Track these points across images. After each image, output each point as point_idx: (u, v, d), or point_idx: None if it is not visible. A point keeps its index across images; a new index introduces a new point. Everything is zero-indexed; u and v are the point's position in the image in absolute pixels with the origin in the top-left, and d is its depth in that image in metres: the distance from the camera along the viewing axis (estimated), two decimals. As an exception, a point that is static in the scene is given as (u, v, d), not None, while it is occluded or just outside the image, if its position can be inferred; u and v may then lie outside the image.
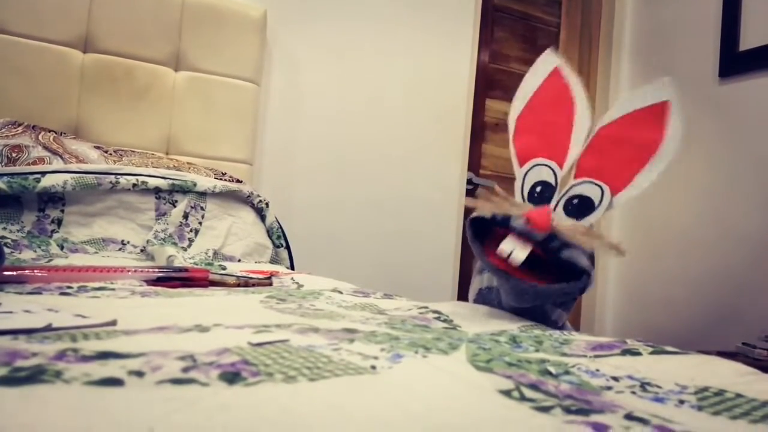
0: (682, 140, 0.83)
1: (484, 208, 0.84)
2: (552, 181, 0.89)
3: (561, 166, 0.89)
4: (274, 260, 1.54)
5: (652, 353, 0.62)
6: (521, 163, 0.93)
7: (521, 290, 0.80)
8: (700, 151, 2.27)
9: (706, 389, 0.48)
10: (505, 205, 0.85)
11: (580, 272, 0.79)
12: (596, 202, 0.83)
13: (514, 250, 0.78)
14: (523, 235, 0.78)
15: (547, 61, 0.99)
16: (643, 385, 0.49)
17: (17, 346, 0.39)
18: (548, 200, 0.87)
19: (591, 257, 0.82)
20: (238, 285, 0.96)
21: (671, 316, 2.31)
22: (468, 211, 0.89)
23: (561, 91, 0.95)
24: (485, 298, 0.95)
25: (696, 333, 2.17)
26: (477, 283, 1.00)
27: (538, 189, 0.89)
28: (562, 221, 0.81)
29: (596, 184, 0.84)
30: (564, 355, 0.59)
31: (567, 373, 0.50)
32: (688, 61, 2.36)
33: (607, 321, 2.57)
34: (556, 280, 0.80)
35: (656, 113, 0.86)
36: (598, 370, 0.52)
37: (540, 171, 0.90)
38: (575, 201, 0.85)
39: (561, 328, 0.93)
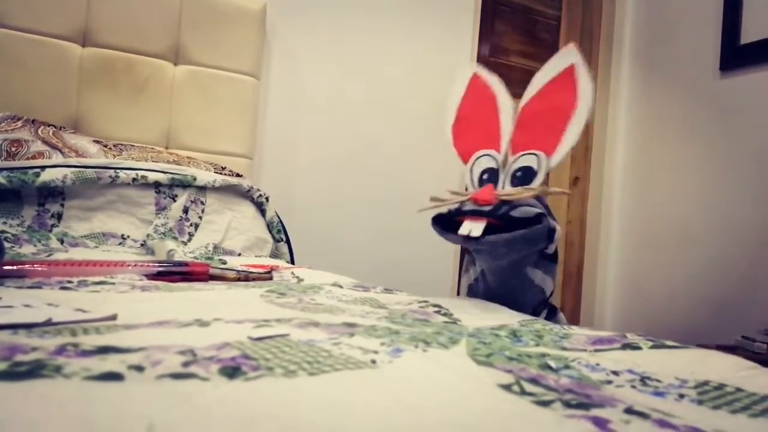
0: (593, 93, 0.91)
1: (441, 207, 0.96)
2: (494, 165, 0.98)
3: (498, 150, 1.00)
4: (274, 254, 1.54)
5: (652, 347, 0.62)
6: (465, 161, 1.04)
7: (491, 246, 0.89)
8: (701, 145, 2.27)
9: (706, 383, 0.48)
10: (456, 198, 0.95)
11: (537, 219, 0.87)
12: (535, 167, 0.92)
13: (472, 228, 0.86)
14: (475, 214, 0.88)
15: (463, 73, 1.13)
16: (643, 379, 0.49)
17: (17, 340, 0.39)
18: (495, 183, 0.96)
19: (544, 208, 0.91)
20: (239, 279, 0.96)
21: (671, 309, 2.31)
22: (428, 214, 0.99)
23: (483, 91, 1.07)
24: (473, 291, 1.04)
25: (696, 326, 2.18)
26: (465, 280, 1.09)
27: (485, 177, 0.98)
28: (502, 190, 0.91)
29: (531, 154, 0.93)
30: (564, 349, 0.59)
31: (567, 367, 0.51)
32: (689, 54, 2.35)
33: (607, 315, 2.57)
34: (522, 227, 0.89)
35: (566, 78, 0.95)
36: (598, 365, 0.53)
37: (482, 161, 1.00)
38: (518, 174, 0.94)
39: (549, 308, 0.97)
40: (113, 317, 0.51)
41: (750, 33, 2.14)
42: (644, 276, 2.43)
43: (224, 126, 1.78)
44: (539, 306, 0.99)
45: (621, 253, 2.56)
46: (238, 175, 1.60)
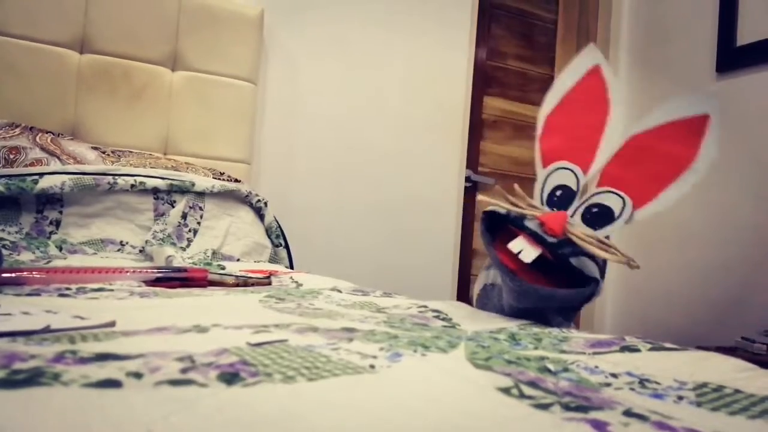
0: (713, 158, 0.81)
1: (501, 204, 0.83)
2: (573, 186, 0.86)
3: (585, 171, 0.87)
4: (273, 259, 1.54)
5: (650, 350, 0.62)
6: (545, 165, 0.91)
7: (524, 290, 0.79)
8: (698, 147, 2.27)
9: (704, 385, 0.48)
10: (521, 204, 0.84)
11: (587, 280, 0.78)
12: (616, 213, 0.82)
13: (524, 249, 0.77)
14: (536, 237, 0.78)
15: (587, 58, 0.96)
16: (642, 382, 0.49)
17: (15, 348, 0.38)
18: (567, 205, 0.85)
19: (601, 268, 0.80)
20: (237, 285, 0.96)
21: (670, 311, 2.31)
22: (472, 206, 0.87)
23: (597, 92, 0.92)
24: (488, 294, 0.94)
25: (695, 328, 2.18)
26: (482, 278, 0.99)
27: (558, 193, 0.87)
28: (577, 228, 0.79)
29: (619, 195, 0.82)
30: (563, 352, 0.59)
31: (566, 370, 0.51)
32: (686, 56, 2.36)
33: (607, 316, 2.57)
34: (561, 287, 0.79)
35: (692, 127, 0.83)
36: (596, 367, 0.53)
37: (562, 175, 0.88)
38: (595, 210, 0.83)
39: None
40: (112, 324, 0.51)
41: (746, 35, 2.15)
42: (643, 278, 2.43)
43: (222, 131, 1.78)
44: None
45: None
46: (236, 181, 1.60)
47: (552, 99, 0.95)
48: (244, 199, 1.54)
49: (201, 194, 1.45)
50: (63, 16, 1.59)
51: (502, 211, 0.82)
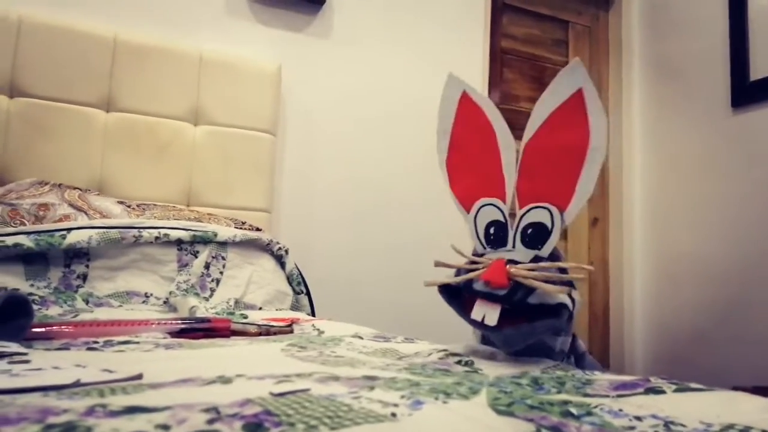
0: (606, 127, 0.76)
1: (443, 280, 0.86)
2: (501, 218, 0.85)
3: (504, 200, 0.86)
4: (294, 307, 1.55)
5: (676, 391, 0.61)
6: (467, 209, 0.91)
7: (506, 338, 0.79)
8: (719, 181, 2.26)
9: (731, 427, 0.48)
10: (464, 266, 0.84)
11: (556, 307, 0.76)
12: (548, 225, 0.80)
13: (486, 314, 0.77)
14: (488, 297, 0.78)
15: (452, 88, 0.94)
16: (667, 424, 0.48)
17: (48, 402, 0.40)
18: (505, 238, 0.84)
19: (567, 281, 0.79)
20: (260, 334, 0.97)
21: (701, 349, 2.25)
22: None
23: (477, 119, 0.90)
24: (487, 340, 0.94)
25: (730, 367, 2.12)
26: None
27: (492, 230, 0.86)
28: (516, 268, 0.77)
29: (542, 207, 0.80)
30: (586, 395, 0.59)
31: (589, 414, 0.50)
32: (701, 93, 2.37)
33: (637, 356, 2.52)
34: (540, 316, 0.77)
35: (573, 107, 0.79)
36: (621, 410, 0.52)
37: (487, 211, 0.87)
38: (530, 231, 0.81)
39: (576, 352, 0.92)
40: (139, 377, 0.52)
41: (759, 69, 2.17)
42: (671, 315, 2.39)
43: (243, 182, 1.83)
44: (561, 359, 0.93)
45: (646, 293, 2.52)
46: (257, 229, 1.63)
47: (442, 144, 0.94)
48: (266, 248, 1.56)
49: (223, 244, 1.47)
50: (90, 78, 1.66)
51: (453, 282, 0.83)
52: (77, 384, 0.47)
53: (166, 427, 0.36)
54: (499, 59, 2.51)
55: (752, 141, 2.16)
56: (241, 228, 1.58)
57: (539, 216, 0.80)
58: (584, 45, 2.73)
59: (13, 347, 0.63)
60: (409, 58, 2.24)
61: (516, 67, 2.58)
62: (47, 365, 0.55)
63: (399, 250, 2.15)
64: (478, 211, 0.89)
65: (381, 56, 2.20)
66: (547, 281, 0.74)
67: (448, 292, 0.86)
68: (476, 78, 2.35)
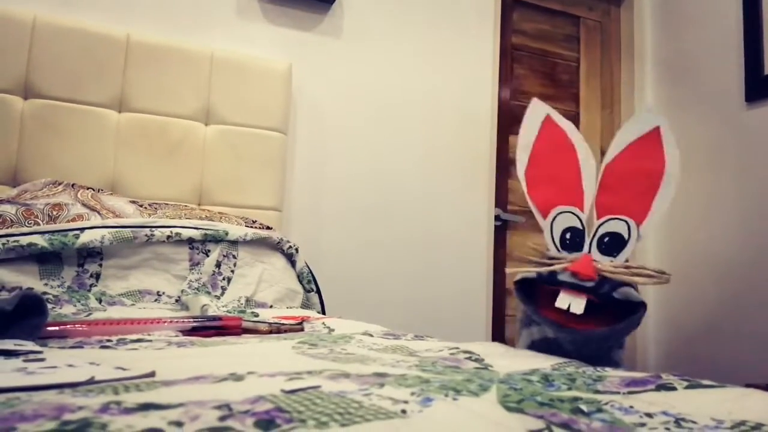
0: (679, 159, 0.91)
1: (527, 270, 0.91)
2: (578, 225, 0.94)
3: (582, 209, 0.95)
4: (305, 305, 1.56)
5: (687, 387, 0.61)
6: (544, 215, 0.99)
7: (585, 340, 0.84)
8: (731, 175, 2.24)
9: (742, 423, 0.47)
10: (544, 260, 0.91)
11: (635, 306, 0.83)
12: (625, 235, 0.89)
13: (571, 302, 0.83)
14: (574, 287, 0.83)
15: (537, 111, 1.07)
16: (678, 421, 0.48)
17: (64, 400, 0.40)
18: (580, 244, 0.92)
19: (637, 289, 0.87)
20: (271, 332, 0.98)
21: (715, 346, 2.23)
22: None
23: (559, 138, 1.02)
24: (541, 349, 0.96)
25: (743, 364, 2.10)
26: (527, 335, 1.02)
27: (568, 235, 0.94)
28: (603, 264, 0.86)
29: (621, 219, 0.90)
30: (597, 392, 0.59)
31: (599, 410, 0.50)
32: (714, 87, 2.35)
33: (650, 354, 2.50)
34: (612, 319, 0.83)
35: (651, 140, 0.93)
36: (631, 407, 0.52)
37: (564, 218, 0.96)
38: (606, 239, 0.90)
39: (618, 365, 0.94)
40: (152, 374, 0.52)
41: (772, 64, 2.14)
42: (685, 313, 2.37)
43: (254, 181, 1.83)
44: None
45: (658, 289, 2.50)
46: (268, 228, 1.63)
47: (523, 156, 1.06)
48: (276, 246, 1.57)
49: (234, 243, 1.48)
50: (103, 79, 1.67)
51: (532, 275, 0.89)
52: (92, 381, 0.48)
53: (179, 423, 0.36)
54: (509, 55, 2.50)
55: (766, 135, 2.14)
56: (251, 227, 1.59)
57: (617, 227, 0.90)
58: (595, 40, 2.72)
59: (29, 346, 0.64)
60: (419, 55, 2.24)
61: (526, 63, 2.57)
62: (62, 363, 0.55)
63: (409, 247, 2.15)
64: (555, 217, 0.98)
65: (391, 54, 2.20)
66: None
67: (523, 289, 0.92)
68: (486, 74, 2.35)
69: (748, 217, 2.16)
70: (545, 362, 0.78)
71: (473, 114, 2.31)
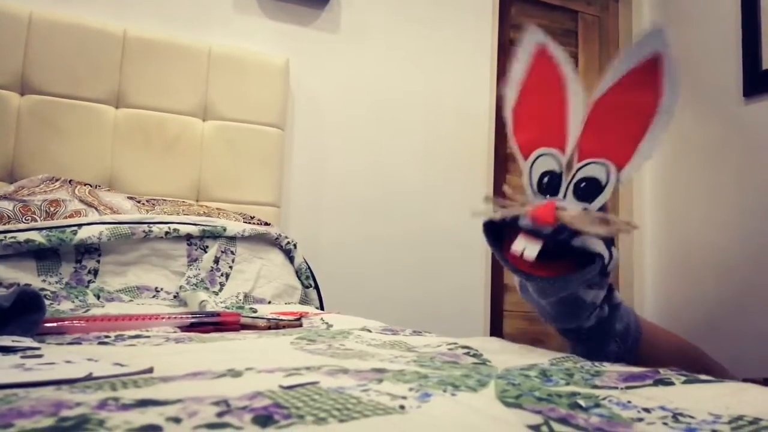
0: (680, 94, 0.76)
1: (495, 212, 0.84)
2: (557, 168, 0.85)
3: (563, 151, 0.85)
4: (303, 301, 1.56)
5: (685, 382, 0.61)
6: (525, 157, 0.90)
7: (541, 287, 0.82)
8: (730, 170, 2.24)
9: (740, 418, 0.48)
10: (515, 205, 0.84)
11: (593, 257, 0.77)
12: (603, 181, 0.80)
13: (526, 247, 0.77)
14: (532, 233, 0.78)
15: (530, 40, 0.93)
16: (676, 416, 0.48)
17: (61, 396, 0.40)
18: (557, 189, 0.84)
19: (608, 240, 0.79)
20: (269, 327, 0.98)
21: (714, 342, 2.23)
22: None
23: (550, 72, 0.90)
24: (526, 289, 0.92)
25: (743, 359, 2.10)
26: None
27: (546, 180, 0.86)
28: (569, 210, 0.78)
29: (599, 163, 0.80)
30: (595, 387, 0.59)
31: (597, 405, 0.50)
32: (712, 82, 2.35)
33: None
34: (578, 265, 0.78)
35: (649, 69, 0.80)
36: (629, 402, 0.52)
37: (544, 161, 0.87)
38: (583, 185, 0.81)
39: (610, 303, 0.90)
40: (150, 370, 0.52)
41: (770, 58, 2.14)
42: (684, 308, 2.38)
43: (252, 176, 1.83)
44: (592, 312, 0.89)
45: (657, 285, 2.51)
46: (266, 224, 1.63)
47: (511, 92, 0.94)
48: (274, 242, 1.57)
49: (232, 239, 1.48)
50: (100, 75, 1.67)
51: (497, 218, 0.82)
52: (89, 378, 0.48)
53: (177, 419, 0.36)
54: (507, 50, 2.50)
55: (764, 130, 2.14)
56: (249, 222, 1.59)
57: (595, 171, 0.81)
58: (594, 35, 2.71)
59: (26, 342, 0.64)
60: (417, 50, 2.24)
61: (524, 59, 2.56)
62: (60, 359, 0.55)
63: (408, 243, 2.15)
64: (535, 160, 0.88)
65: (389, 49, 2.19)
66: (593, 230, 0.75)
67: (492, 233, 0.85)
68: (485, 69, 2.34)
69: (748, 212, 2.16)
70: (543, 357, 0.78)
71: (472, 108, 2.31)
